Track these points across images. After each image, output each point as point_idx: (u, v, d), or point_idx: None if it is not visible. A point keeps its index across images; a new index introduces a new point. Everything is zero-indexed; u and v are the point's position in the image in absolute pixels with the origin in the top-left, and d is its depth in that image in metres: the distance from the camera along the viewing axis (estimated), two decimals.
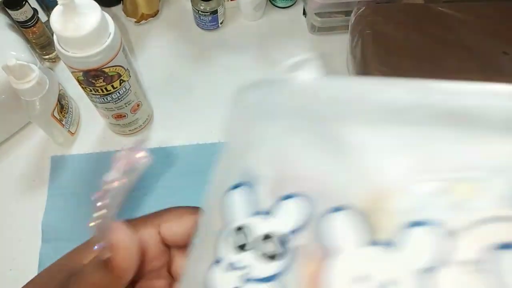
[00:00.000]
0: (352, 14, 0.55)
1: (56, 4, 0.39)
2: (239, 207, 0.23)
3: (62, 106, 0.52)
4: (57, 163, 0.55)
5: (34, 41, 0.57)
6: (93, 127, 0.58)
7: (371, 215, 0.19)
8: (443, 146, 0.20)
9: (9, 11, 0.52)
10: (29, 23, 0.54)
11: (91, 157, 0.56)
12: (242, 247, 0.22)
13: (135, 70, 0.49)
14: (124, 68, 0.45)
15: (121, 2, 0.64)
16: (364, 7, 0.55)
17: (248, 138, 0.24)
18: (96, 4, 0.41)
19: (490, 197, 0.18)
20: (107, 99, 0.47)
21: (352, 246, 0.19)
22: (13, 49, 0.51)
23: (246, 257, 0.22)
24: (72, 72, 0.44)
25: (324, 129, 0.23)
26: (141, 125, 0.56)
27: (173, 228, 0.29)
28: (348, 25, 0.57)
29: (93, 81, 0.44)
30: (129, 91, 0.48)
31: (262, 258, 0.22)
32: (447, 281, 0.17)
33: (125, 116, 0.52)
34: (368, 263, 0.19)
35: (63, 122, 0.53)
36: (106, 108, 0.49)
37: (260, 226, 0.22)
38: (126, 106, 0.50)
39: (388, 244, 0.18)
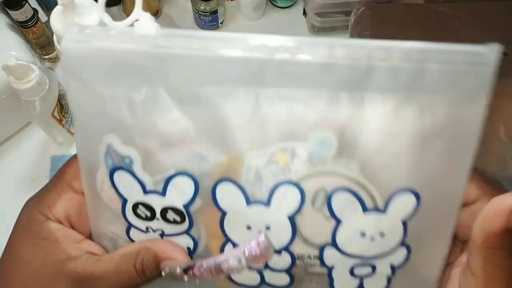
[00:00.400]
0: (352, 14, 0.55)
1: (56, 4, 0.39)
2: (127, 188, 0.27)
3: (62, 106, 0.52)
4: (57, 163, 0.55)
5: (34, 41, 0.57)
6: None
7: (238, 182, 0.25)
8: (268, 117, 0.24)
9: (9, 11, 0.52)
10: (29, 23, 0.54)
11: None
12: (149, 218, 0.27)
13: None
14: None
15: (121, 2, 0.64)
16: (363, 7, 0.55)
17: (96, 112, 0.25)
18: (96, 4, 0.41)
19: (298, 161, 0.25)
20: None
21: (235, 208, 0.26)
22: (13, 49, 0.51)
23: (155, 224, 0.27)
24: None
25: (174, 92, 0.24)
26: None
27: (67, 209, 0.29)
28: (348, 25, 0.57)
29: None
30: None
31: (168, 224, 0.27)
32: (303, 219, 0.26)
33: None
34: (248, 217, 0.26)
35: (63, 122, 0.53)
36: None
37: (156, 203, 0.27)
38: None
39: (260, 202, 0.25)
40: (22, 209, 0.29)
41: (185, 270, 0.26)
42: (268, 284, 0.28)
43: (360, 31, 0.54)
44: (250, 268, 0.27)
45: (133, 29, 0.23)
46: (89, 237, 0.29)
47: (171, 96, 0.24)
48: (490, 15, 0.54)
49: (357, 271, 0.27)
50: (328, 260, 0.27)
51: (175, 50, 0.23)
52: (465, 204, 0.27)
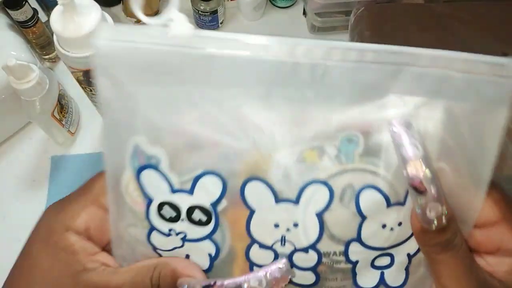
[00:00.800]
0: (352, 14, 0.55)
1: (56, 4, 0.39)
2: (154, 187, 0.26)
3: (62, 106, 0.52)
4: (57, 163, 0.55)
5: (34, 41, 0.57)
6: (93, 127, 0.58)
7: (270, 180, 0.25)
8: (296, 117, 0.25)
9: (9, 11, 0.52)
10: (29, 23, 0.54)
11: (91, 157, 0.56)
12: (173, 219, 0.27)
13: None
14: None
15: (121, 2, 0.64)
16: (363, 7, 0.55)
17: (127, 111, 0.25)
18: (96, 4, 0.41)
19: (326, 159, 0.25)
20: None
21: (264, 206, 0.26)
22: (13, 49, 0.51)
23: (179, 226, 0.27)
24: (72, 72, 0.44)
25: (203, 94, 0.25)
26: None
27: (88, 222, 0.29)
28: (348, 25, 0.57)
29: (93, 81, 0.44)
30: None
31: (193, 225, 0.27)
32: (330, 216, 0.26)
33: None
34: (277, 215, 0.26)
35: (63, 122, 0.53)
36: None
37: (183, 202, 0.26)
38: None
39: (289, 200, 0.26)
40: (42, 217, 0.29)
41: None
42: (294, 284, 0.28)
43: (360, 31, 0.54)
44: None
45: (168, 29, 0.24)
46: (105, 250, 0.29)
47: (202, 96, 0.25)
48: (490, 15, 0.54)
49: (377, 263, 0.28)
50: (352, 255, 0.27)
51: (209, 50, 0.24)
52: (484, 225, 0.27)
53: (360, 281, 0.28)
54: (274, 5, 0.67)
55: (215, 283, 0.26)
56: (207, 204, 0.26)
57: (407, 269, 0.28)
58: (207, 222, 0.27)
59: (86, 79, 0.44)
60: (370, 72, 0.24)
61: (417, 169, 0.24)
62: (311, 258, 0.27)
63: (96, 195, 0.28)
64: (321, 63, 0.24)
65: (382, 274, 0.28)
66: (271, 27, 0.65)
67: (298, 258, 0.27)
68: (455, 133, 0.25)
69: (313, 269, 0.27)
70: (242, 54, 0.24)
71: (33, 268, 0.28)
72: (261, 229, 0.27)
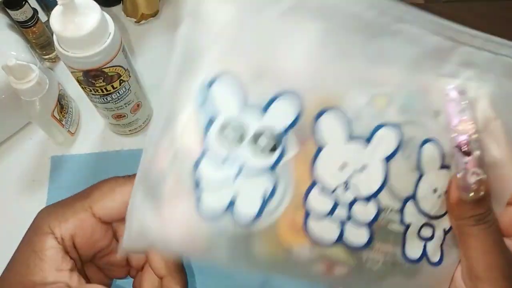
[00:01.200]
0: None
1: (56, 4, 0.39)
2: (224, 100, 0.24)
3: (62, 106, 0.52)
4: (57, 163, 0.55)
5: (34, 41, 0.57)
6: (93, 127, 0.58)
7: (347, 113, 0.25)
8: (365, 62, 0.26)
9: (9, 11, 0.52)
10: (29, 23, 0.54)
11: (91, 157, 0.56)
12: (236, 140, 0.24)
13: (135, 70, 0.49)
14: (124, 68, 0.45)
15: (121, 2, 0.64)
16: None
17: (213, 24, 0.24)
18: (96, 4, 0.41)
19: (394, 107, 0.26)
20: (107, 99, 0.47)
21: (335, 141, 0.25)
22: (13, 49, 0.51)
23: (241, 149, 0.24)
24: (72, 72, 0.44)
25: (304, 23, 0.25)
26: (141, 125, 0.56)
27: (107, 205, 0.28)
28: None
29: (93, 81, 0.44)
30: (129, 91, 0.48)
31: (257, 151, 0.24)
32: (394, 166, 0.26)
33: (125, 116, 0.52)
34: (346, 154, 0.25)
35: (63, 122, 0.53)
36: (106, 108, 0.49)
37: (252, 122, 0.24)
38: (126, 106, 0.50)
39: (361, 138, 0.25)
40: (36, 215, 0.29)
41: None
42: (345, 244, 0.26)
43: None
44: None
45: None
46: (83, 265, 0.28)
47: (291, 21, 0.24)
48: (490, 15, 0.54)
49: (422, 233, 0.28)
50: (407, 216, 0.27)
51: None
52: None
53: (408, 250, 0.28)
54: None
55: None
56: (279, 128, 0.24)
57: (441, 247, 0.29)
58: (273, 150, 0.24)
59: (86, 79, 0.44)
60: (433, 41, 0.26)
61: (466, 130, 0.25)
62: (370, 210, 0.26)
63: (92, 202, 0.27)
64: (398, 16, 0.25)
65: (425, 246, 0.28)
66: None
67: (358, 209, 0.26)
68: (503, 107, 0.27)
69: (369, 225, 0.26)
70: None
71: (8, 269, 0.27)
72: (327, 168, 0.25)
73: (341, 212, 0.26)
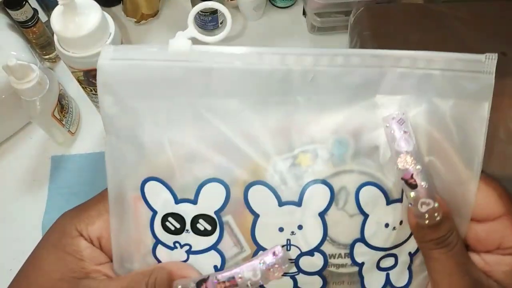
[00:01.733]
0: (351, 15, 0.55)
1: (56, 4, 0.39)
2: (158, 199, 0.27)
3: (62, 106, 0.52)
4: (57, 163, 0.55)
5: (34, 41, 0.57)
6: (93, 127, 0.58)
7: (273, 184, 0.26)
8: (290, 123, 0.26)
9: (9, 11, 0.52)
10: (29, 23, 0.54)
11: (91, 157, 0.56)
12: (178, 231, 0.27)
13: None
14: None
15: (121, 2, 0.64)
16: (363, 7, 0.55)
17: (133, 127, 0.26)
18: (96, 4, 0.41)
19: (320, 162, 0.26)
20: None
21: (268, 209, 0.26)
22: (13, 49, 0.51)
23: (184, 237, 0.27)
24: (72, 72, 0.44)
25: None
26: None
27: (102, 230, 0.29)
28: (348, 25, 0.57)
29: (93, 81, 0.44)
30: None
31: (198, 235, 0.27)
32: (330, 218, 0.26)
33: None
34: (281, 218, 0.26)
35: (63, 122, 0.53)
36: None
37: (187, 212, 0.27)
38: None
39: (291, 202, 0.26)
40: (56, 221, 0.29)
41: (198, 284, 0.26)
42: None
43: (360, 31, 0.54)
44: (265, 281, 0.26)
45: (167, 45, 0.25)
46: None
47: (202, 107, 0.26)
48: (490, 15, 0.54)
49: (383, 264, 0.28)
50: (358, 257, 0.27)
51: (207, 64, 0.25)
52: (487, 219, 0.27)
53: (368, 284, 0.28)
54: (274, 5, 0.67)
55: (208, 277, 0.26)
56: (211, 212, 0.26)
57: (409, 269, 0.29)
58: (212, 231, 0.27)
59: (86, 79, 0.44)
60: (357, 75, 0.25)
61: (408, 163, 0.24)
62: (317, 261, 0.27)
63: None
64: (310, 69, 0.25)
65: (387, 275, 0.29)
66: (271, 27, 0.65)
67: (304, 262, 0.27)
68: (442, 127, 0.26)
69: (320, 273, 0.28)
70: (238, 65, 0.25)
71: (37, 270, 0.28)
72: (266, 234, 0.27)
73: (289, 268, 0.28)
